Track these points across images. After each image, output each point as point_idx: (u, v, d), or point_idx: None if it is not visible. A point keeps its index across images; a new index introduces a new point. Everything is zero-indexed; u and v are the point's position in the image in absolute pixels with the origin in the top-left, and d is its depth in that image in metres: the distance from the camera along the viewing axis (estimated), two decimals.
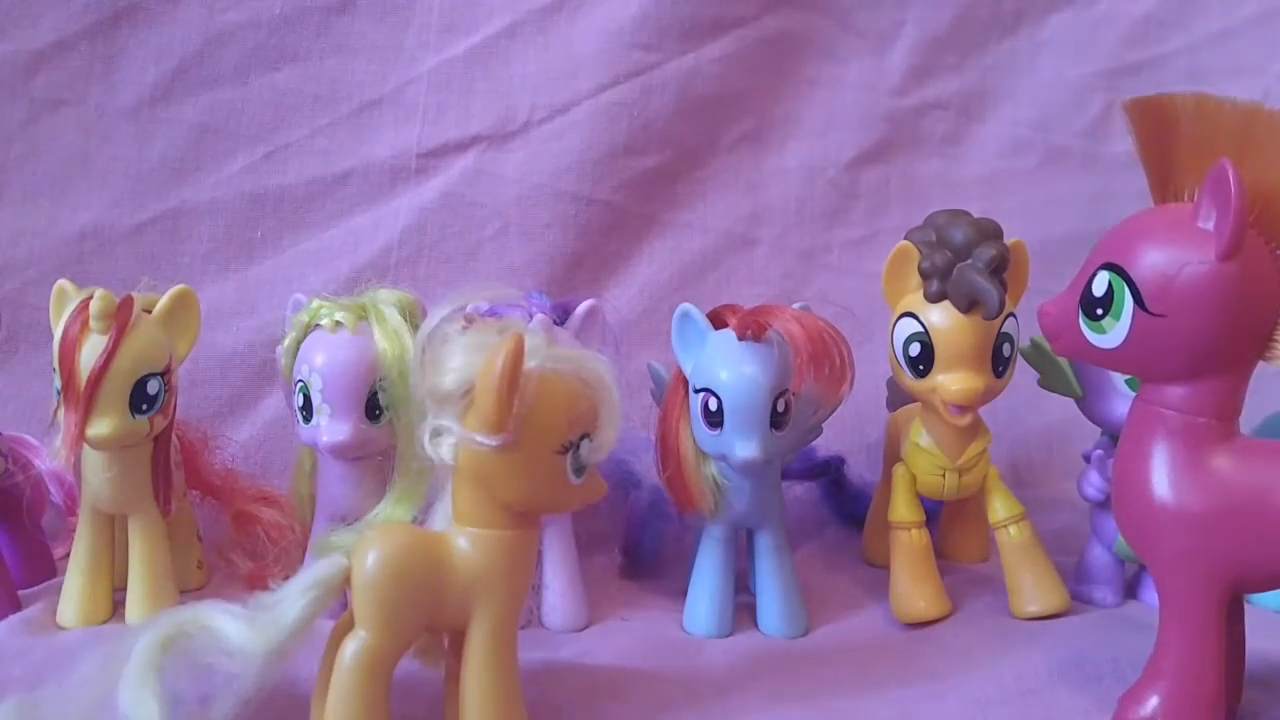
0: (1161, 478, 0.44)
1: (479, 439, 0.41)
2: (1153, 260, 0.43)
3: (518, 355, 0.40)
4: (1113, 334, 0.44)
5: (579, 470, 0.42)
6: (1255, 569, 0.43)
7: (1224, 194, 0.40)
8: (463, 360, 0.41)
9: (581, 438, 0.42)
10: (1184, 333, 0.42)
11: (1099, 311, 0.44)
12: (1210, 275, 0.41)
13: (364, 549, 0.42)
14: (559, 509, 0.46)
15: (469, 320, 0.44)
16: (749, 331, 0.53)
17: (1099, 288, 0.44)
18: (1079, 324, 0.45)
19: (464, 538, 0.43)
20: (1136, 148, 0.46)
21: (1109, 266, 0.44)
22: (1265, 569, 0.43)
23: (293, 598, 0.41)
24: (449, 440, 0.42)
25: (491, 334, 0.42)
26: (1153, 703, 0.45)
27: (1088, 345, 0.45)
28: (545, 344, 0.42)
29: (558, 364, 0.42)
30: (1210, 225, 0.42)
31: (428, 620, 0.42)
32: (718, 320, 0.56)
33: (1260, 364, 0.43)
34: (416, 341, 0.44)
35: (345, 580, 0.42)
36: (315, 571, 0.42)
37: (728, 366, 0.54)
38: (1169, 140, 0.44)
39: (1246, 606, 0.57)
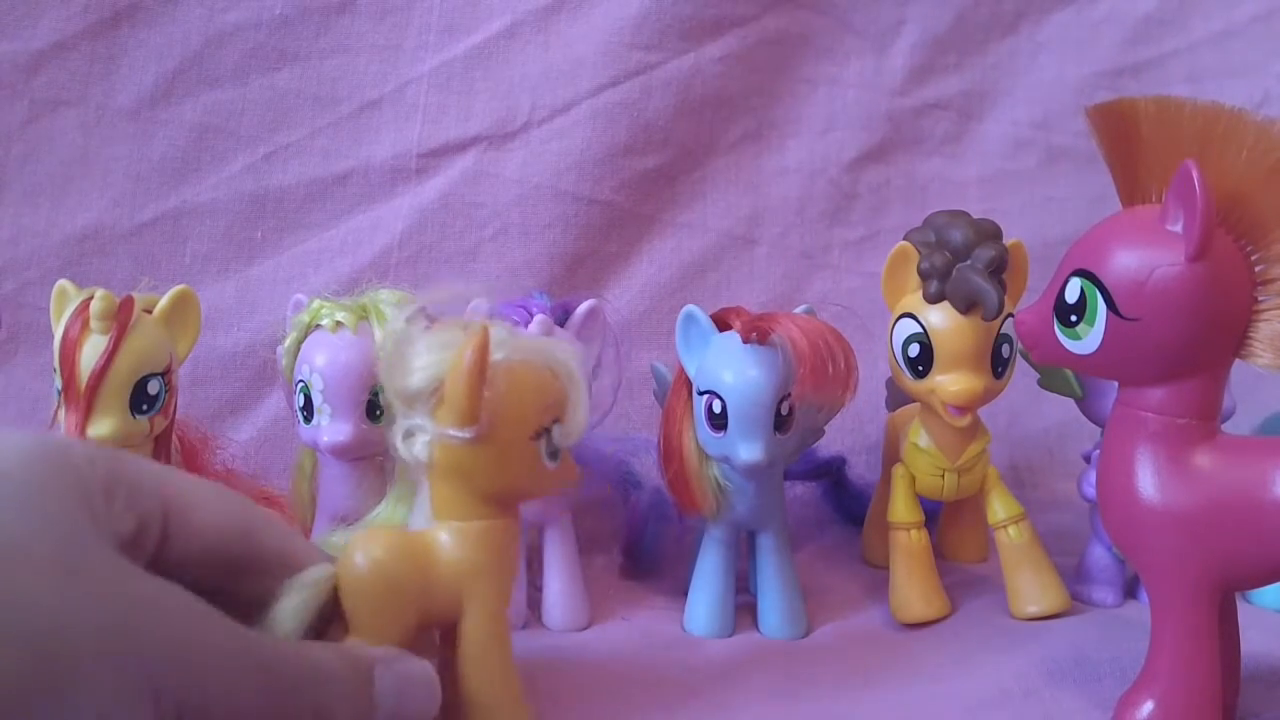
0: (1145, 480, 0.44)
1: (452, 433, 0.41)
2: (1123, 264, 0.43)
3: (484, 348, 0.40)
4: (1088, 340, 0.44)
5: (553, 454, 0.43)
6: (1244, 566, 0.43)
7: (1189, 195, 0.41)
8: (429, 359, 0.42)
9: (553, 422, 0.43)
10: (1158, 335, 0.43)
11: (1073, 318, 0.45)
12: (1181, 277, 0.42)
13: (349, 555, 0.41)
14: (537, 493, 0.46)
15: (430, 319, 0.45)
16: (753, 334, 0.53)
17: (1071, 294, 0.44)
18: (1055, 331, 0.45)
19: (446, 532, 0.43)
20: (1101, 153, 0.46)
21: (1080, 273, 0.44)
22: (1254, 566, 0.43)
23: (281, 605, 0.40)
24: (422, 438, 0.43)
25: (455, 331, 0.43)
26: (1148, 706, 0.45)
27: (1064, 352, 0.45)
28: (509, 336, 0.43)
29: (524, 354, 0.43)
30: (1178, 227, 0.42)
31: (418, 620, 0.42)
32: (721, 322, 0.56)
33: (1257, 365, 0.43)
34: (381, 344, 0.45)
35: (333, 586, 0.41)
36: (301, 577, 0.41)
37: (732, 369, 0.54)
38: (1132, 144, 0.45)
39: (1245, 606, 0.58)
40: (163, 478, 0.37)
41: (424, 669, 0.40)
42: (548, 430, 0.43)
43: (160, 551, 0.36)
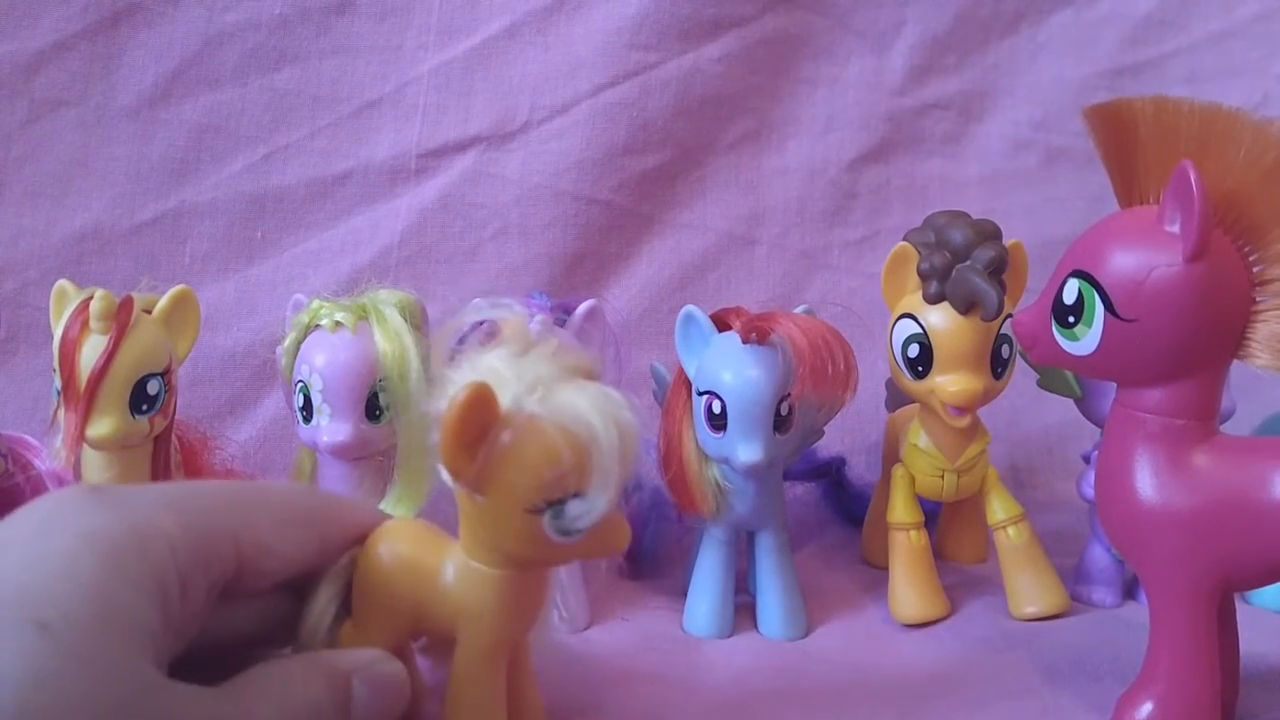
0: (1145, 481, 0.44)
1: (446, 478, 0.38)
2: (1121, 265, 0.43)
3: (470, 408, 0.35)
4: (1086, 341, 0.44)
5: (566, 532, 0.37)
6: (1243, 566, 0.43)
7: (1187, 196, 0.41)
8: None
9: (563, 498, 0.36)
10: (1156, 336, 0.43)
11: (1071, 319, 0.44)
12: (1179, 277, 0.42)
13: (374, 541, 0.41)
14: (545, 565, 0.41)
15: (490, 335, 0.40)
16: (753, 335, 0.53)
17: (1069, 295, 0.44)
18: (1053, 332, 0.45)
19: (456, 564, 0.40)
20: (1099, 154, 0.46)
21: (1078, 274, 0.44)
22: (1253, 566, 0.43)
23: (314, 596, 0.41)
24: None
25: (494, 362, 0.38)
26: (1148, 707, 0.45)
27: (1063, 353, 0.45)
28: (548, 379, 0.37)
29: (549, 410, 0.36)
30: (1176, 228, 0.42)
31: (409, 629, 0.42)
32: (721, 323, 0.56)
33: (1255, 366, 0.43)
34: (434, 352, 0.42)
35: (352, 567, 0.42)
36: (332, 568, 0.42)
37: (731, 369, 0.54)
38: (1130, 144, 0.45)
39: (1245, 606, 0.58)
40: (239, 529, 0.37)
41: (397, 671, 0.40)
42: (557, 505, 0.36)
43: (229, 587, 0.37)
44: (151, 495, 0.36)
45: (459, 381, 0.37)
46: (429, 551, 0.42)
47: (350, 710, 0.38)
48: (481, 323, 0.42)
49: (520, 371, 0.37)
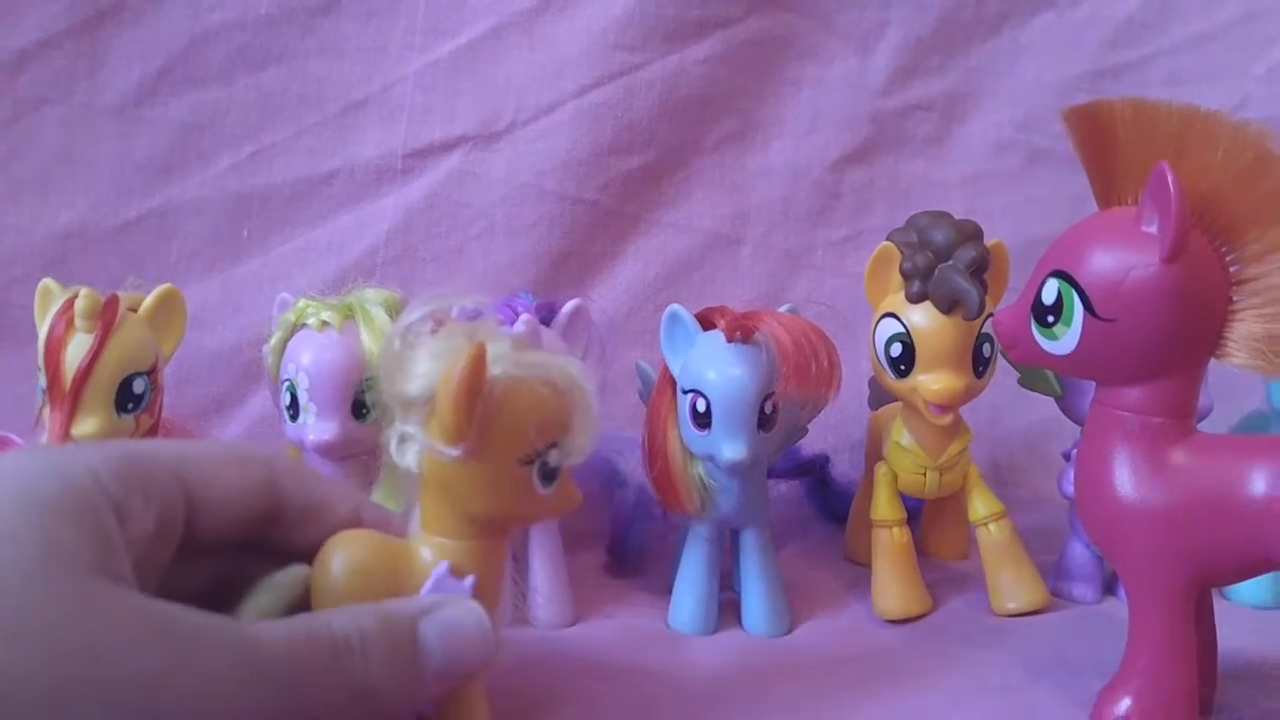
0: (1123, 479, 0.45)
1: (440, 448, 0.39)
2: (1099, 266, 0.43)
3: (477, 365, 0.38)
4: (1065, 340, 0.45)
5: (548, 478, 0.40)
6: (1219, 562, 0.44)
7: (1164, 196, 0.41)
8: (429, 366, 0.40)
9: (550, 446, 0.40)
10: (1134, 336, 0.43)
11: (1050, 319, 0.45)
12: (1156, 278, 0.42)
13: (327, 555, 0.40)
14: (528, 520, 0.43)
15: (438, 323, 0.42)
16: (737, 333, 0.54)
17: (1048, 295, 0.45)
18: (1032, 331, 0.46)
19: (429, 547, 0.41)
20: (1078, 155, 0.46)
21: (1057, 274, 0.44)
22: (1229, 562, 0.44)
23: (248, 604, 0.40)
24: (414, 447, 0.41)
25: (459, 338, 0.40)
26: (1126, 702, 0.45)
27: (1042, 352, 0.46)
28: (512, 349, 0.40)
29: (525, 370, 0.40)
30: (1153, 228, 0.42)
31: None
32: (706, 321, 0.56)
33: (1232, 365, 0.44)
34: (385, 344, 0.42)
35: (305, 588, 0.40)
36: (274, 576, 0.40)
37: (716, 368, 0.54)
38: (1109, 146, 0.45)
39: (1223, 602, 0.58)
40: (180, 461, 0.37)
41: (473, 611, 0.39)
42: (542, 454, 0.40)
43: (189, 530, 0.37)
44: (83, 446, 0.36)
45: (425, 361, 0.39)
46: (391, 547, 0.41)
47: (418, 656, 0.36)
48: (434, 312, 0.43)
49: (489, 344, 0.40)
